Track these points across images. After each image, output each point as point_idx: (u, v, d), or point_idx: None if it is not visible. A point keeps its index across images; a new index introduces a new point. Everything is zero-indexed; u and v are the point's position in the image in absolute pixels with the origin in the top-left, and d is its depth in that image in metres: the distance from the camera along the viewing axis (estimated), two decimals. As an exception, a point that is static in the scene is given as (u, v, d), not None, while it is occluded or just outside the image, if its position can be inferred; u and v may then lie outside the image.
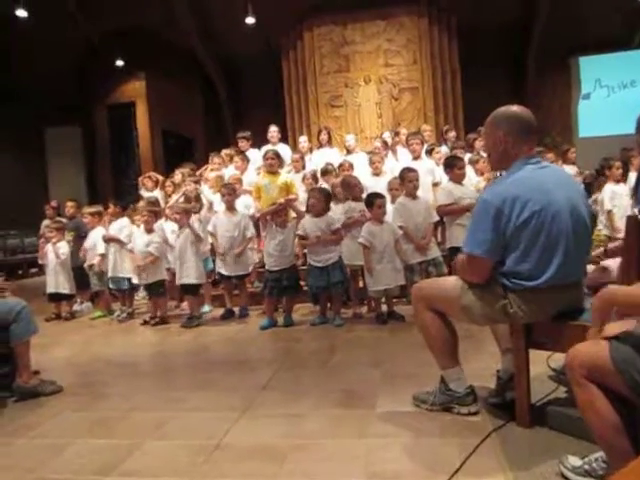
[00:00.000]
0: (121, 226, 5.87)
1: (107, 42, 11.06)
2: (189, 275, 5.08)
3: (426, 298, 2.48)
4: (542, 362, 2.77)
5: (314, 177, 6.16)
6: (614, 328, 1.54)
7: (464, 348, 2.62)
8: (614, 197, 5.30)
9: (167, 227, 5.66)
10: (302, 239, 4.88)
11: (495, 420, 2.35)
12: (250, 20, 10.04)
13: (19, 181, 11.65)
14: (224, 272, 5.23)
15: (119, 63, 11.37)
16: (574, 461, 1.84)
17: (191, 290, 5.16)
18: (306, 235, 4.77)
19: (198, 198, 5.57)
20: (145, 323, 5.28)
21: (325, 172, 6.11)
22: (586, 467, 1.78)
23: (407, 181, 4.77)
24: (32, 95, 11.10)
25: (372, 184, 5.78)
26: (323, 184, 5.91)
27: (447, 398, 2.48)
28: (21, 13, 9.24)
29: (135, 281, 5.65)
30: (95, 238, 6.00)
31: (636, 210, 2.21)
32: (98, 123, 12.26)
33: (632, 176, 5.12)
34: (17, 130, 11.34)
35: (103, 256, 5.84)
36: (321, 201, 4.76)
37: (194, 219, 5.21)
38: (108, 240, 5.75)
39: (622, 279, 2.03)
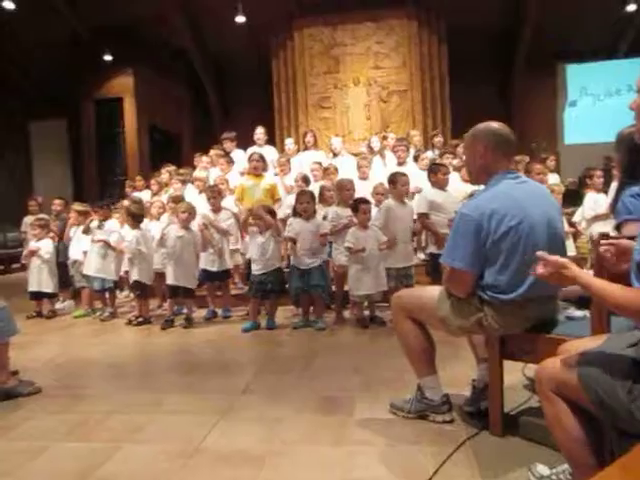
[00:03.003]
0: (109, 230, 5.76)
1: (96, 36, 10.95)
2: (186, 277, 5.04)
3: (405, 307, 2.52)
4: (518, 371, 2.83)
5: (304, 180, 6.17)
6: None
7: (442, 354, 2.66)
8: (596, 207, 5.30)
9: (152, 227, 5.63)
10: (292, 241, 4.84)
11: (469, 429, 2.40)
12: (240, 19, 9.99)
13: (2, 175, 11.50)
14: (209, 268, 5.24)
15: (107, 58, 11.28)
16: (542, 470, 1.89)
17: (187, 292, 5.12)
18: (296, 236, 4.76)
19: (182, 199, 5.56)
20: (129, 323, 5.26)
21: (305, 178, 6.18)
22: (553, 478, 1.83)
23: (400, 185, 4.81)
24: (18, 87, 10.97)
25: (358, 188, 5.80)
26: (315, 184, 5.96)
27: (423, 406, 2.53)
28: (8, 5, 9.14)
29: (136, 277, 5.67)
30: (79, 235, 5.96)
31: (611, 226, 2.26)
32: (84, 117, 12.11)
33: (613, 187, 5.12)
34: (1, 122, 11.18)
35: (87, 254, 5.79)
36: (312, 204, 4.83)
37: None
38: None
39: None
